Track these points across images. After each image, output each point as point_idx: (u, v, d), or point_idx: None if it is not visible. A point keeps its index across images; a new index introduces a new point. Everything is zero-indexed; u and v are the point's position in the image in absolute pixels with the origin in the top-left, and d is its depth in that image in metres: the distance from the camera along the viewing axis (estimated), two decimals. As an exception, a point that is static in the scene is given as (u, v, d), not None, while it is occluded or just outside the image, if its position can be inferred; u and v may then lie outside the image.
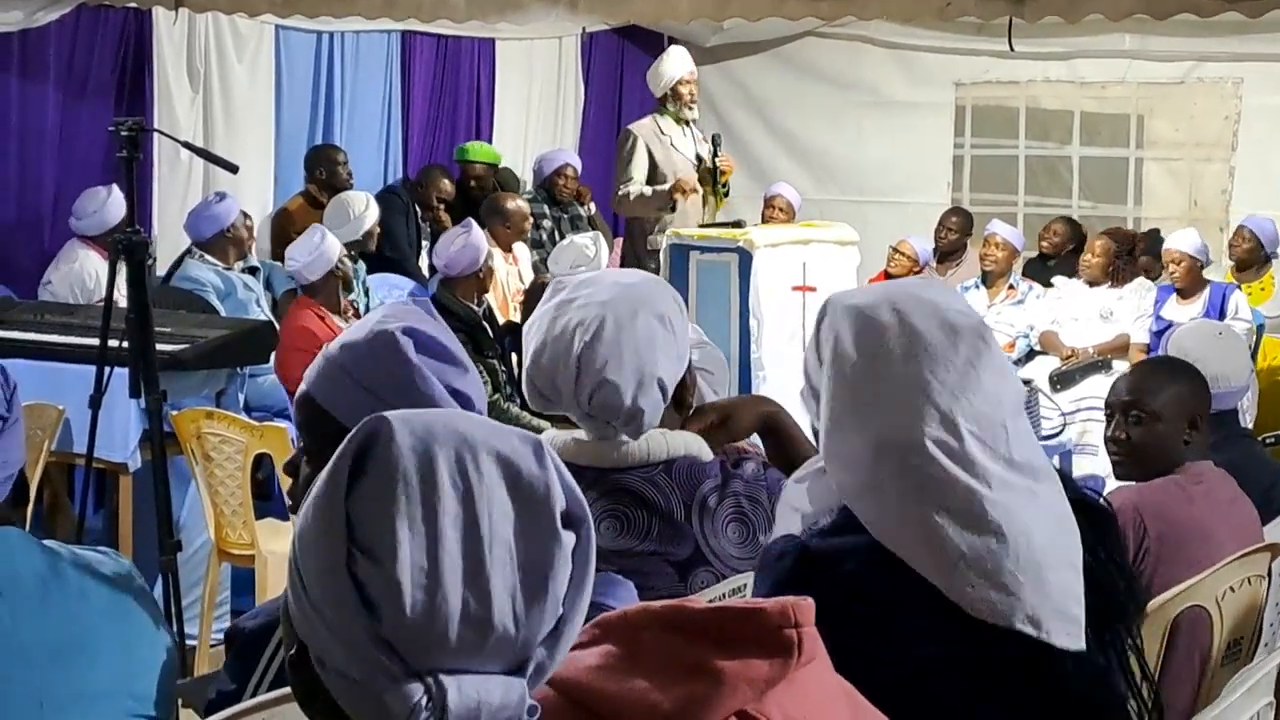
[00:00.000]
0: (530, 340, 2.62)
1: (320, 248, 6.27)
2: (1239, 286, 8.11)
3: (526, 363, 2.62)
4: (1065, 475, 2.16)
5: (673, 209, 7.85)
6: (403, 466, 1.34)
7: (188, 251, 7.02)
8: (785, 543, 2.12)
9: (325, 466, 1.38)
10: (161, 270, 7.14)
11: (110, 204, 6.81)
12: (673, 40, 10.56)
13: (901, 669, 1.98)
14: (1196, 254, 8.01)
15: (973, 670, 2.00)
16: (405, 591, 1.30)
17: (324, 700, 1.39)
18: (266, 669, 2.15)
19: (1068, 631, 1.97)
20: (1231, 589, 3.14)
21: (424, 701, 1.30)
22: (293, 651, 1.42)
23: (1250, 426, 4.87)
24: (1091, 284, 8.26)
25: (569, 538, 1.39)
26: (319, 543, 1.35)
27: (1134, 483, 3.54)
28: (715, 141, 8.11)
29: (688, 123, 8.04)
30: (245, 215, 7.17)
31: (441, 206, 8.93)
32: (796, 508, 2.19)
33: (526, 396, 2.67)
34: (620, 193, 7.98)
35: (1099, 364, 7.95)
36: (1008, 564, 1.96)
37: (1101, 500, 2.19)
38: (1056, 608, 1.97)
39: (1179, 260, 7.99)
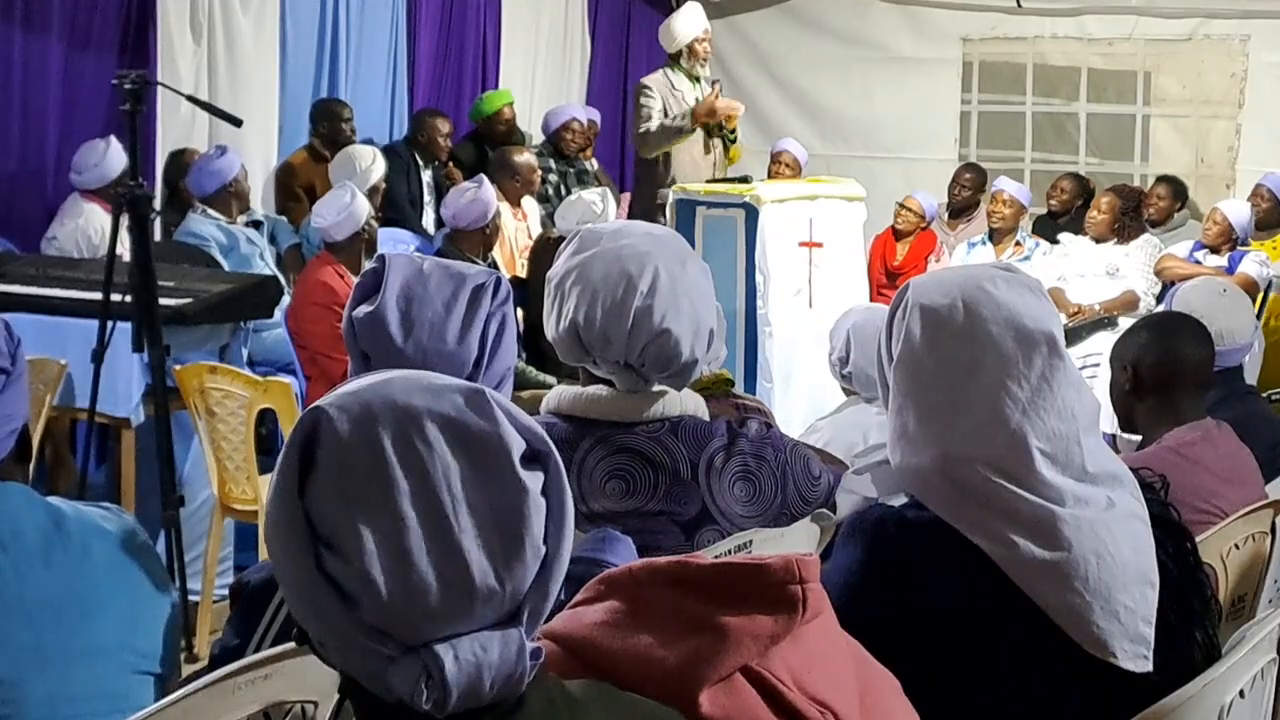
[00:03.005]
0: (569, 292, 2.54)
1: (350, 207, 6.21)
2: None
3: (570, 314, 2.53)
4: (1142, 483, 2.14)
5: (693, 130, 7.79)
6: (349, 457, 1.34)
7: (189, 205, 7.01)
8: (883, 511, 2.10)
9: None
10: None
11: (110, 155, 6.74)
12: (680, -5, 10.51)
13: (976, 652, 1.99)
14: (1237, 227, 7.92)
15: (1039, 665, 2.00)
16: (378, 580, 1.31)
17: None
18: (271, 624, 2.15)
19: (1136, 654, 1.97)
20: (1236, 546, 3.14)
21: (423, 679, 1.31)
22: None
23: (1255, 384, 4.87)
24: (1097, 240, 8.23)
25: (534, 478, 1.38)
26: (287, 546, 1.35)
27: (1135, 452, 3.55)
28: (715, 87, 8.05)
29: (698, 79, 7.99)
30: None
31: (446, 145, 8.75)
32: (859, 492, 2.16)
33: (560, 348, 2.59)
34: (640, 130, 7.87)
35: (1104, 321, 7.92)
36: (1076, 584, 1.95)
37: (1170, 510, 2.17)
38: (1126, 629, 1.97)
39: (1220, 222, 7.93)
